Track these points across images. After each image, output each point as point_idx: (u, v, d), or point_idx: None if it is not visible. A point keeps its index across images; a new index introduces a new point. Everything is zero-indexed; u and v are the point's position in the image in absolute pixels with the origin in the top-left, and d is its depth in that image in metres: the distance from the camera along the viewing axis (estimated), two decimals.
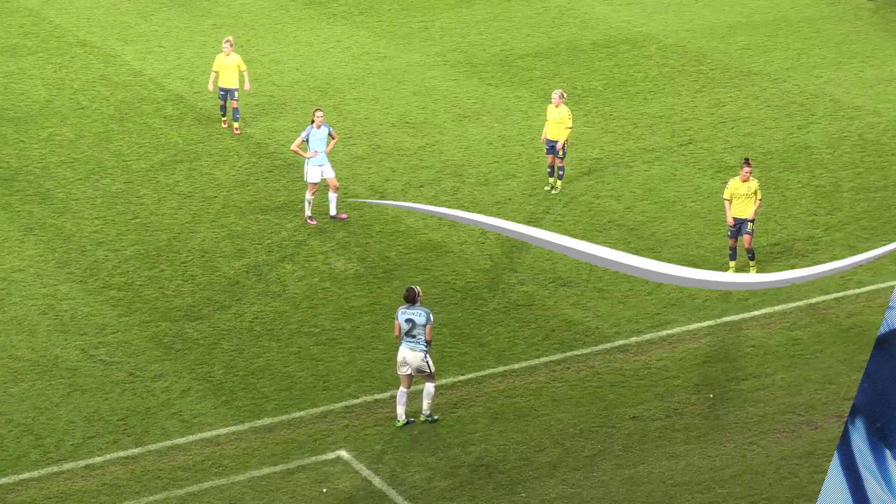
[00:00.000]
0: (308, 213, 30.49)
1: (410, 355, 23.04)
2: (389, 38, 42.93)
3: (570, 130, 31.59)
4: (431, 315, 23.04)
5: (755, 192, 27.77)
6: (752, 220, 27.87)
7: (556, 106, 31.48)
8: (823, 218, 30.87)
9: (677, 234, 30.13)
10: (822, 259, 28.95)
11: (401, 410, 23.44)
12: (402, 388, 23.33)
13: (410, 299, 23.04)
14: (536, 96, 37.99)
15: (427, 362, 23.05)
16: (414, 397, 23.64)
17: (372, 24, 44.21)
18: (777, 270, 28.44)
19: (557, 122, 31.51)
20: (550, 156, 31.90)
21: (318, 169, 30.23)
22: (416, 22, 44.35)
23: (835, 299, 27.53)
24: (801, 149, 34.36)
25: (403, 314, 23.00)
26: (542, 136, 32.01)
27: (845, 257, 28.94)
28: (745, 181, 27.78)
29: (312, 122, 30.26)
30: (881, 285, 27.98)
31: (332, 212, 30.64)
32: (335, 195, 30.59)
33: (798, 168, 33.42)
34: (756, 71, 39.91)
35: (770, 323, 26.69)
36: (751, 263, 28.30)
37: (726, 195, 28.01)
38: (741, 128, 35.87)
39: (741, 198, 27.83)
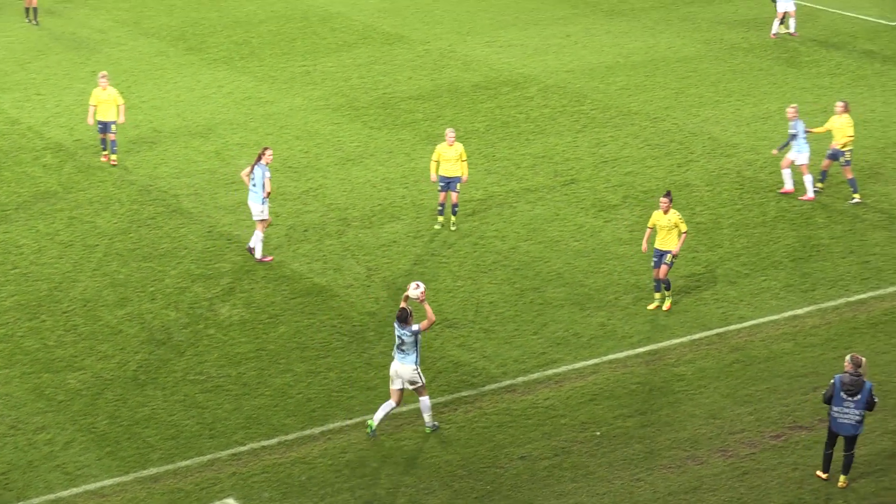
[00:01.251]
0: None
1: (402, 368, 23.94)
2: (271, 82, 42.86)
3: (466, 163, 32.07)
4: (418, 327, 23.71)
5: (676, 225, 28.16)
6: (674, 254, 28.25)
7: (451, 144, 31.85)
8: (704, 255, 31.26)
9: (561, 274, 30.34)
10: (704, 296, 29.31)
11: (379, 415, 24.11)
12: (392, 402, 24.16)
13: (403, 319, 23.77)
14: (419, 139, 38.12)
15: (418, 373, 23.89)
16: (406, 415, 23.51)
17: (253, 68, 44.12)
18: (660, 307, 28.75)
19: (456, 160, 31.85)
20: (444, 193, 32.15)
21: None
22: (297, 66, 44.34)
23: (717, 334, 27.87)
24: (682, 186, 34.82)
25: (396, 330, 23.89)
26: (433, 176, 32.21)
27: (727, 293, 29.38)
28: (664, 213, 28.18)
29: (262, 160, 30.23)
30: (762, 320, 28.40)
31: (258, 253, 30.95)
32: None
33: (678, 205, 33.79)
34: (635, 110, 40.43)
35: (654, 360, 26.93)
36: (666, 294, 28.68)
37: (650, 223, 28.50)
38: (622, 167, 36.27)
39: (662, 229, 28.27)
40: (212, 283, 29.81)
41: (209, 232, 32.24)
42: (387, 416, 24.25)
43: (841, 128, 33.73)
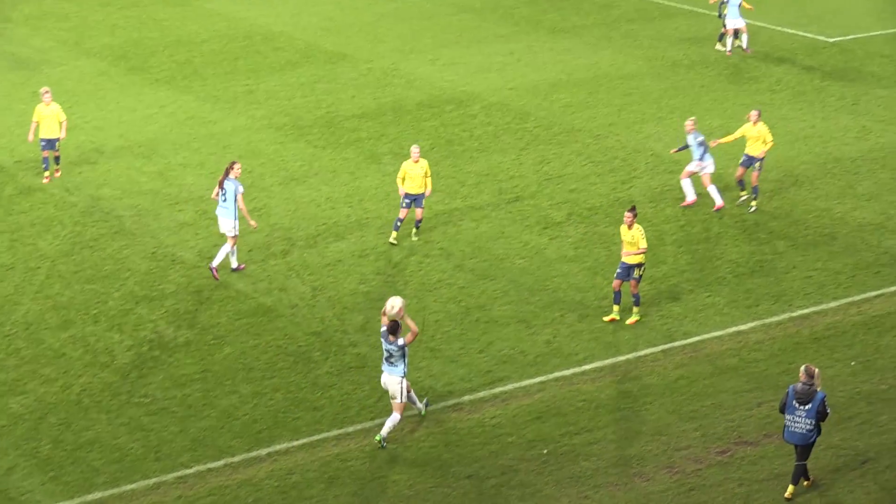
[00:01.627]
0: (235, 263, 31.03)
1: (389, 379, 24.57)
2: (214, 102, 42.72)
3: (430, 178, 32.43)
4: (403, 341, 24.15)
5: (637, 242, 28.41)
6: (640, 266, 28.51)
7: (416, 161, 32.06)
8: (648, 271, 31.35)
9: (507, 292, 30.38)
10: (649, 312, 29.43)
11: (418, 406, 25.24)
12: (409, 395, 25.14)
13: (392, 332, 24.15)
14: (363, 157, 38.10)
15: (401, 388, 24.27)
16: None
17: (196, 88, 43.96)
18: (605, 325, 28.84)
19: (421, 176, 32.12)
20: (406, 209, 32.26)
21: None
22: (240, 86, 44.23)
23: (662, 351, 27.99)
24: (625, 203, 34.92)
25: (384, 344, 24.25)
26: (401, 191, 32.32)
27: (671, 310, 29.52)
28: (629, 228, 28.40)
29: (230, 174, 30.36)
30: (706, 336, 28.54)
31: (235, 264, 31.01)
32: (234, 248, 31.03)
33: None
34: (579, 127, 40.58)
35: (600, 377, 27.00)
36: (634, 309, 28.90)
37: (622, 237, 28.92)
38: (566, 184, 36.40)
39: (627, 244, 28.53)
40: (156, 305, 29.64)
41: (153, 253, 32.07)
42: (415, 398, 25.01)
43: (759, 136, 34.26)
